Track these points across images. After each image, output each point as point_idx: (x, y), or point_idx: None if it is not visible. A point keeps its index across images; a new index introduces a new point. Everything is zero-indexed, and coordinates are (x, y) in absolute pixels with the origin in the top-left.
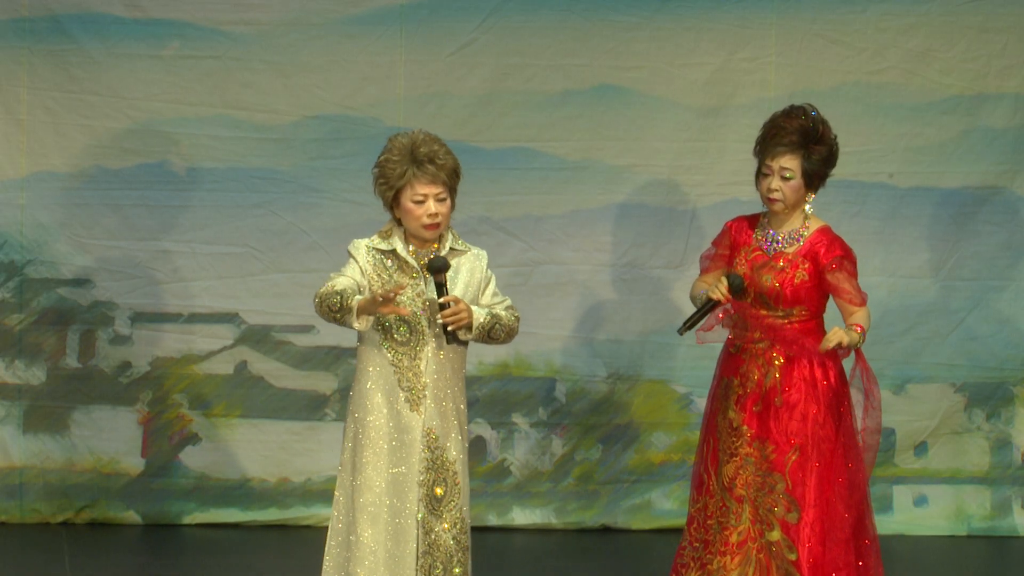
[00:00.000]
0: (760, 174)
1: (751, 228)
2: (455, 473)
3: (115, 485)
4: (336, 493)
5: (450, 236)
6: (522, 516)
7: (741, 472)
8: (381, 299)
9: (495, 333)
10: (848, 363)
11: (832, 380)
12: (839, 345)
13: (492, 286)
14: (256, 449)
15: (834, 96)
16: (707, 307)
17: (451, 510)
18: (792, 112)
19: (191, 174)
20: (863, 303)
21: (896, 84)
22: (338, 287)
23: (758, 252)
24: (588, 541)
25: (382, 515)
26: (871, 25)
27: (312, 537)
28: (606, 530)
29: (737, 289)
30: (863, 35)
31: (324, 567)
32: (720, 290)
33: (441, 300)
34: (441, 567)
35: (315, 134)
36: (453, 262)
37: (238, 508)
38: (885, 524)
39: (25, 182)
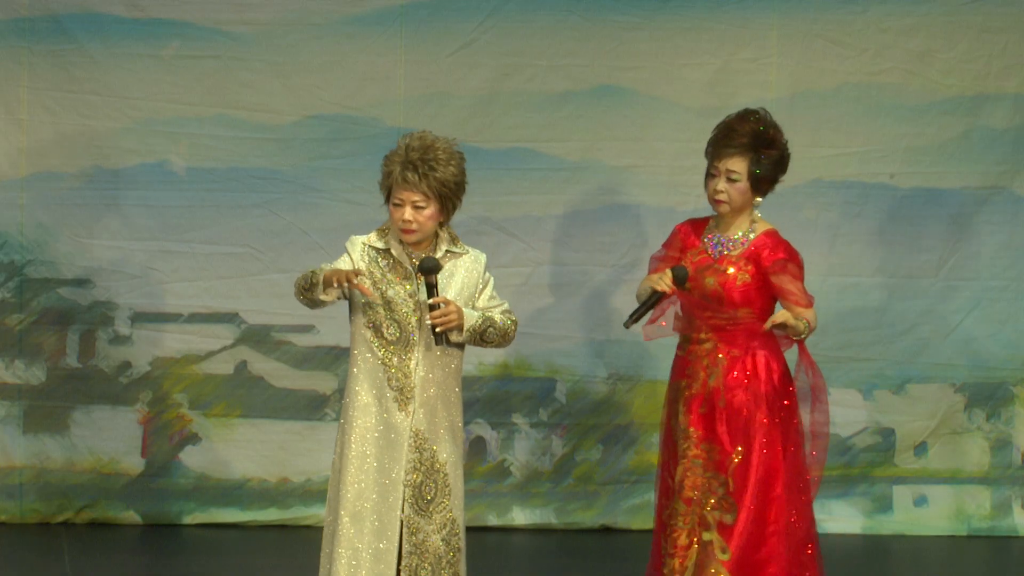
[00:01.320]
0: (708, 175)
1: (699, 231)
2: (445, 475)
3: (115, 485)
4: (329, 491)
5: (447, 238)
6: (522, 516)
7: (689, 474)
8: (337, 283)
9: (488, 336)
10: (791, 360)
11: (776, 379)
12: (783, 326)
13: (489, 289)
14: (256, 449)
15: (835, 97)
16: (652, 300)
17: (440, 511)
18: (745, 115)
19: (191, 174)
20: (809, 304)
21: (897, 85)
22: (322, 266)
23: (703, 255)
24: (588, 541)
25: (366, 513)
26: (872, 26)
27: (312, 537)
28: (606, 530)
29: (682, 281)
30: (864, 36)
31: (320, 565)
32: (665, 282)
33: (431, 301)
34: (429, 568)
35: (315, 134)
36: (449, 264)
37: (238, 508)
38: (885, 524)
39: (25, 182)
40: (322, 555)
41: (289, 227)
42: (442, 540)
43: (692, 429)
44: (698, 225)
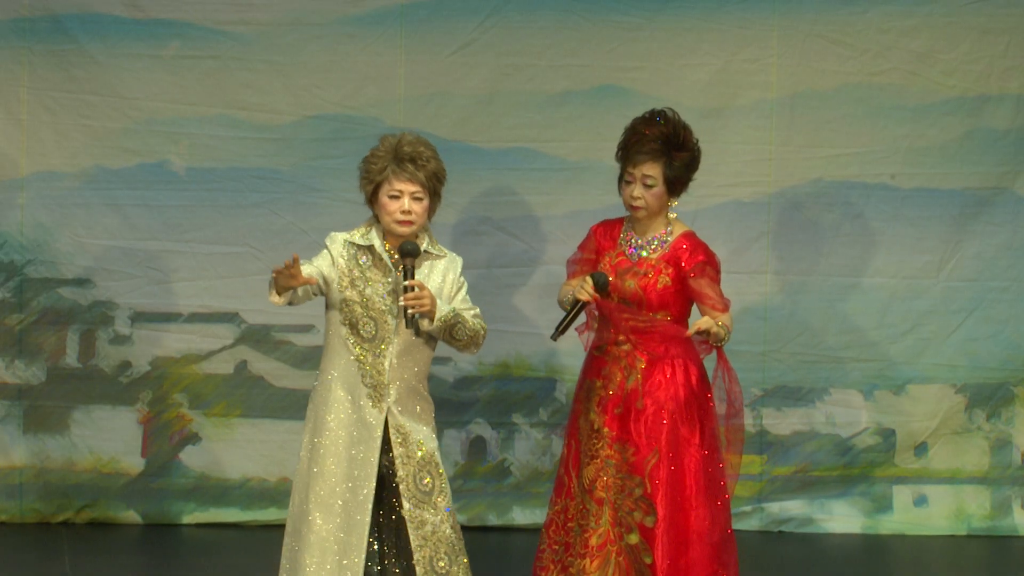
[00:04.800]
0: (623, 181)
1: (616, 233)
2: (437, 464)
3: (115, 485)
4: (294, 483)
5: (426, 239)
6: (522, 516)
7: (601, 475)
8: (277, 274)
9: (457, 332)
10: (710, 366)
11: (694, 383)
12: (706, 333)
13: (463, 292)
14: (256, 449)
15: (836, 97)
16: (576, 309)
17: (443, 500)
18: (653, 118)
19: (191, 174)
20: (726, 308)
21: (898, 85)
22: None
23: (622, 257)
24: None
25: (335, 506)
26: (873, 26)
27: None
28: None
29: (602, 287)
30: (865, 36)
31: (283, 557)
32: (586, 290)
33: (406, 283)
34: (445, 558)
35: (315, 134)
36: (427, 264)
37: (238, 508)
38: (885, 524)
39: (25, 182)
40: (285, 547)
41: (289, 227)
42: (450, 528)
43: (606, 429)
44: (613, 226)
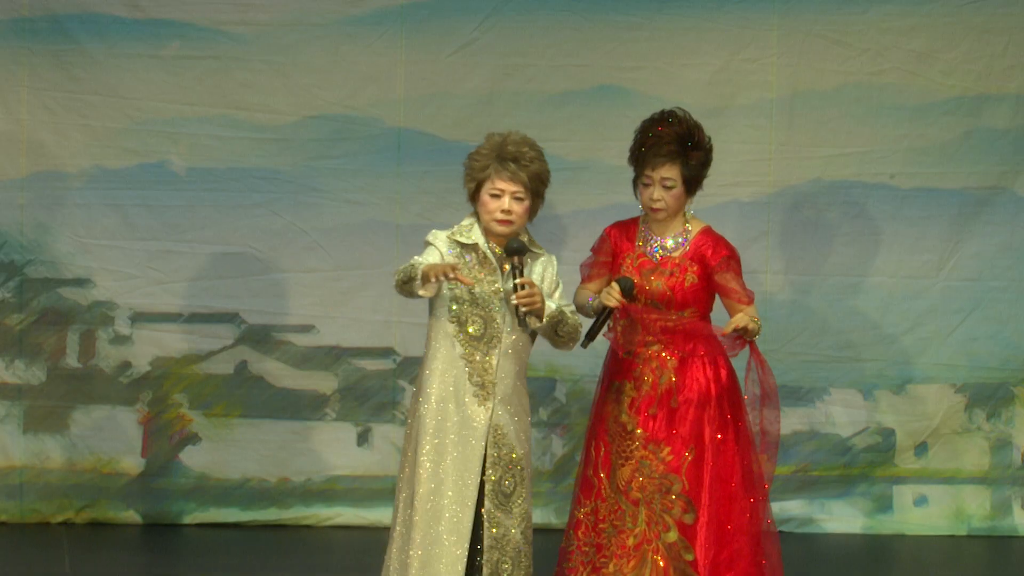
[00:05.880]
0: (640, 184)
1: (632, 233)
2: (522, 468)
3: (115, 485)
4: (398, 484)
5: (526, 238)
6: None
7: (636, 476)
8: (442, 277)
9: (561, 329)
10: (739, 361)
11: (724, 379)
12: (744, 330)
13: (560, 290)
14: (256, 449)
15: (836, 97)
16: (605, 315)
17: (519, 505)
18: (666, 119)
19: (191, 174)
20: (751, 301)
21: (897, 85)
22: (415, 260)
23: (644, 258)
24: None
25: (443, 509)
26: (873, 26)
27: (312, 537)
28: None
29: (628, 292)
30: (865, 36)
31: (386, 563)
32: (613, 296)
33: (517, 281)
34: (510, 562)
35: (315, 134)
36: (528, 263)
37: (238, 508)
38: (885, 524)
39: (25, 182)
40: (394, 548)
41: (289, 227)
42: (520, 533)
43: (640, 430)
44: (628, 227)
